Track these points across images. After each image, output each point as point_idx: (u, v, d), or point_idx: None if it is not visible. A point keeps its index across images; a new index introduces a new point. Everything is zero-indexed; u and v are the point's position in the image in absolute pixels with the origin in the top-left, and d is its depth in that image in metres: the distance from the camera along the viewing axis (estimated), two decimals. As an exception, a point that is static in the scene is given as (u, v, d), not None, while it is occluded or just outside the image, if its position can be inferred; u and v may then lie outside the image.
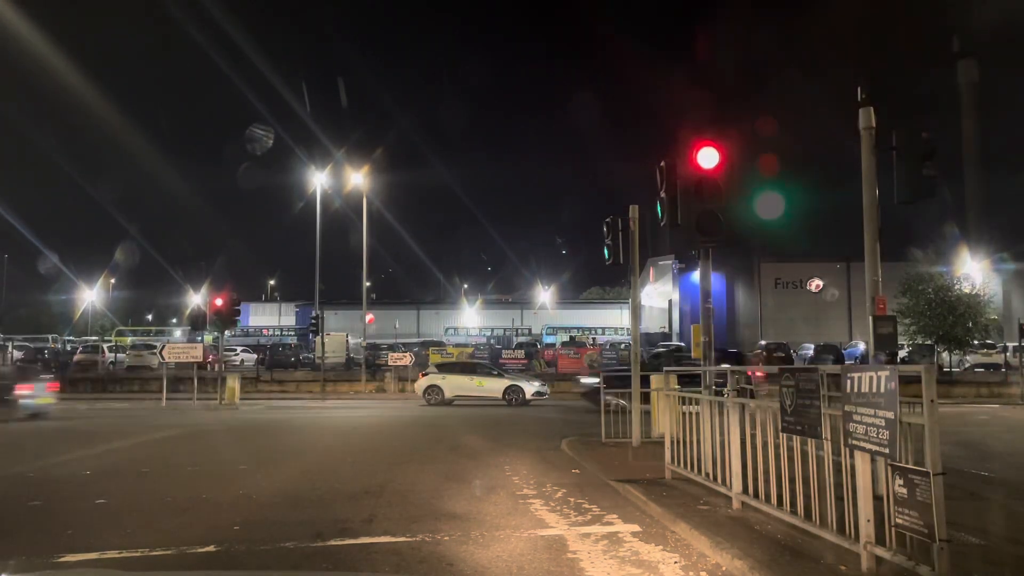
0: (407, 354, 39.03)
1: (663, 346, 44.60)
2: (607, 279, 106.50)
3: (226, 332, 78.64)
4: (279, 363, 42.26)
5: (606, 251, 14.10)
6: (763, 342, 43.60)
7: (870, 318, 9.09)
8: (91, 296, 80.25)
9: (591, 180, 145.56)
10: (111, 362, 43.63)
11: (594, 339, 54.67)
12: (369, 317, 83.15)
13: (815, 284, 54.91)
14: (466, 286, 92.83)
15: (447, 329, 72.71)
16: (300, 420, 21.79)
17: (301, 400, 33.68)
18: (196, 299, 79.17)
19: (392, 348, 42.10)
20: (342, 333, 44.83)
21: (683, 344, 44.34)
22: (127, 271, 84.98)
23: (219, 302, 26.91)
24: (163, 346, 27.17)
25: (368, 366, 40.78)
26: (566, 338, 57.07)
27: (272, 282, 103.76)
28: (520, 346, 44.46)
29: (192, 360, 26.70)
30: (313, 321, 37.74)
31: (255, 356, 46.80)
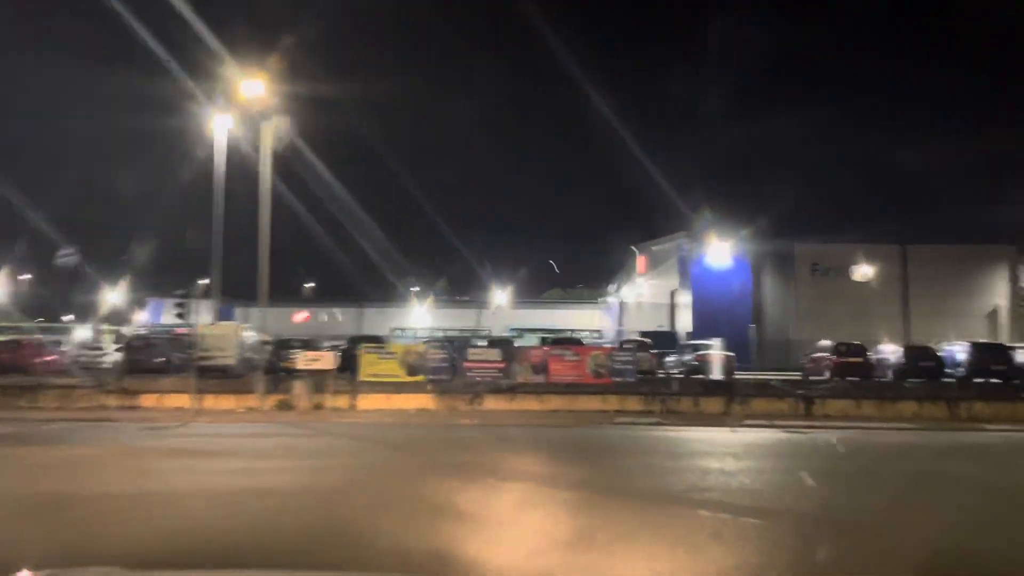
0: (328, 353, 26.11)
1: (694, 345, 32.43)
2: (566, 280, 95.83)
3: (124, 327, 63.81)
4: (140, 365, 28.70)
5: None
6: (827, 342, 31.64)
7: None
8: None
9: (547, 181, 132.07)
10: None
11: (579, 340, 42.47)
12: (304, 315, 70.30)
13: (861, 272, 43.37)
14: (417, 288, 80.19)
15: (394, 329, 60.26)
16: None
17: (139, 423, 20.47)
18: (113, 297, 66.85)
19: (308, 345, 28.96)
20: (231, 324, 31.49)
21: (710, 343, 32.06)
22: (39, 266, 70.92)
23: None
24: None
25: (272, 370, 27.72)
26: (534, 339, 44.68)
27: (207, 281, 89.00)
28: (493, 343, 31.75)
29: None
30: (179, 306, 24.63)
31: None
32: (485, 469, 11.62)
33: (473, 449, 15.29)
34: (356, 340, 28.57)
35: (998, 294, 43.61)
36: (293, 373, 27.17)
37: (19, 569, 3.20)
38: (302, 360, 26.01)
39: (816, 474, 12.31)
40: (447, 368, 27.40)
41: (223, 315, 43.83)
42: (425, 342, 32.24)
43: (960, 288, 42.94)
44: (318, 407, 25.57)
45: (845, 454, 16.09)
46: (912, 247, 44.13)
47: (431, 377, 27.09)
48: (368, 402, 26.11)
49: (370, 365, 26.79)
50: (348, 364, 27.59)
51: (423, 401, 26.15)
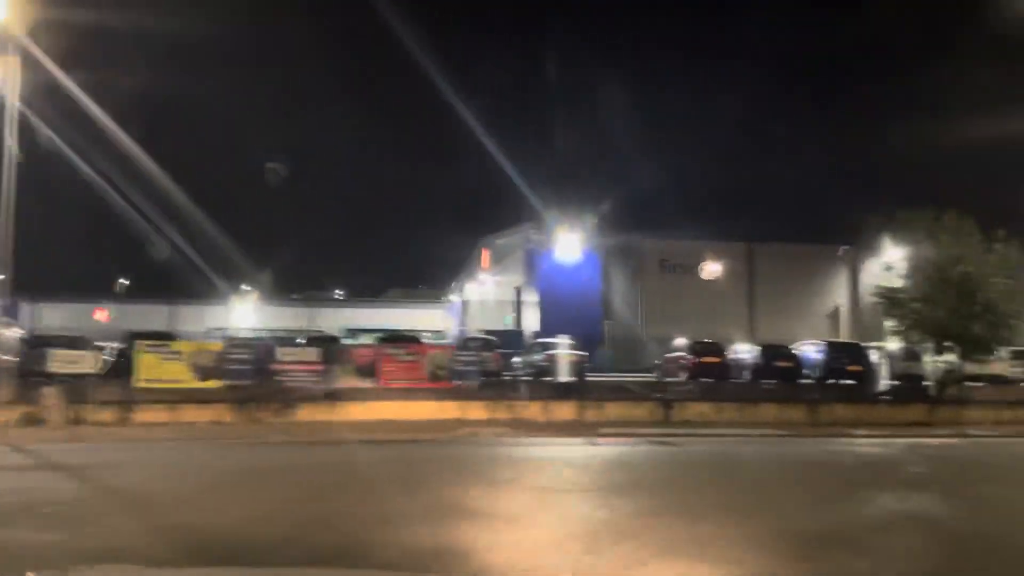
0: (91, 354, 20.63)
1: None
2: (406, 280, 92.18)
3: None
4: None
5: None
6: (683, 340, 29.48)
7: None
8: None
9: (387, 173, 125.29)
10: None
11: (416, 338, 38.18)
12: (107, 312, 61.75)
13: (709, 270, 42.06)
14: (248, 287, 73.29)
15: (212, 329, 53.20)
16: None
17: None
18: None
19: (74, 343, 23.10)
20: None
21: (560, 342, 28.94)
22: None
23: None
24: None
25: (28, 374, 21.87)
26: (370, 339, 40.10)
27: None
28: (313, 341, 27.14)
29: None
30: None
31: None
32: (259, 550, 7.29)
33: (259, 493, 10.84)
34: (135, 337, 22.93)
35: (839, 293, 43.74)
36: (54, 379, 21.47)
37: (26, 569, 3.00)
38: (58, 362, 20.42)
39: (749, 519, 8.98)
40: (251, 371, 22.54)
41: (6, 311, 36.18)
42: (223, 340, 26.94)
43: (804, 287, 42.71)
44: (78, 422, 20.08)
45: (752, 475, 13.07)
46: (758, 245, 43.42)
47: (230, 382, 22.16)
48: (145, 414, 20.85)
49: (149, 368, 21.49)
50: (127, 367, 22.20)
51: (218, 413, 21.21)
